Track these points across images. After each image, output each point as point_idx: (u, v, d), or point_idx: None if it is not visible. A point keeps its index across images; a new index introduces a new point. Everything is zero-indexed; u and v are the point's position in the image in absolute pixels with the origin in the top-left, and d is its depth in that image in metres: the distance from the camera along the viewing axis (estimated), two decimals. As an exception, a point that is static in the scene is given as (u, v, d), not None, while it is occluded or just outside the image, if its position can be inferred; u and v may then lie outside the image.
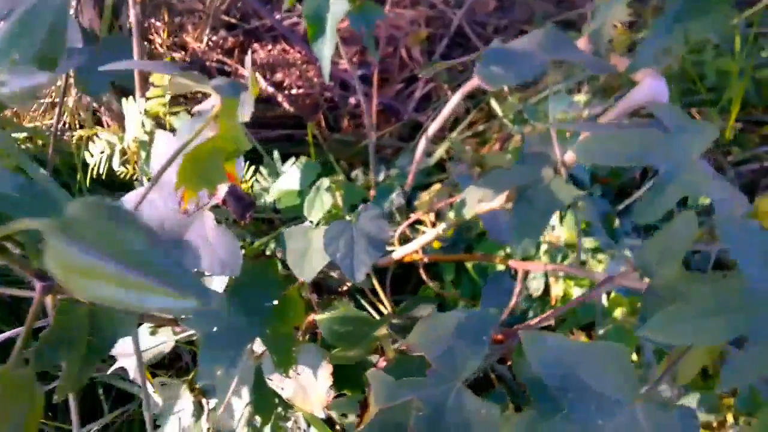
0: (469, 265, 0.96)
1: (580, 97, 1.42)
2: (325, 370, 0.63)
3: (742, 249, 0.43)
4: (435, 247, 1.08)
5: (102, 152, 0.90)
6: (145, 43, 1.67)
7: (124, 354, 0.75)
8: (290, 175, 0.66)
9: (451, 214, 0.74)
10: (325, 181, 0.65)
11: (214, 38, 1.75)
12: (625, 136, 0.51)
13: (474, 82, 0.94)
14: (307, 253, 0.60)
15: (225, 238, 0.54)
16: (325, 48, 0.80)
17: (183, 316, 0.59)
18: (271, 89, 1.68)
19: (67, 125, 1.51)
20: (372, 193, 1.35)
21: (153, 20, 1.73)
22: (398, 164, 1.43)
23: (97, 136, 0.93)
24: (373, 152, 1.28)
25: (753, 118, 1.54)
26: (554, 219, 1.23)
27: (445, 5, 1.81)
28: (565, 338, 0.48)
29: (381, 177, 1.37)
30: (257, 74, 1.70)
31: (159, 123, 1.01)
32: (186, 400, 0.73)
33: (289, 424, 0.70)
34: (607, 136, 0.52)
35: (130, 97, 0.94)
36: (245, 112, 0.70)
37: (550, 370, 0.47)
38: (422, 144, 0.95)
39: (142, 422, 0.79)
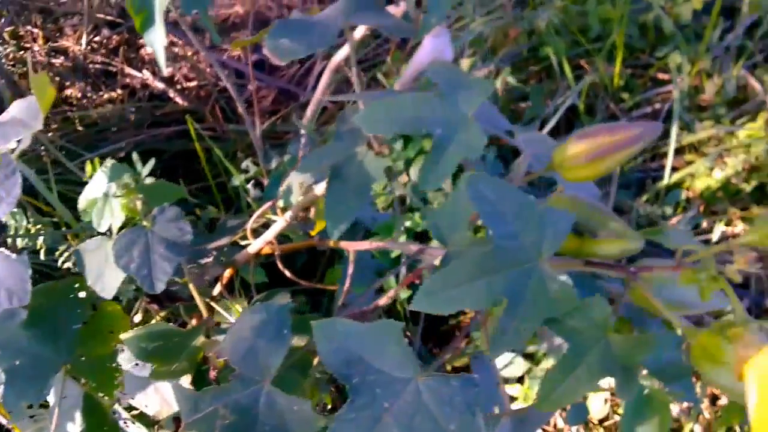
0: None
1: (466, 61, 1.41)
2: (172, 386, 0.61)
3: (490, 206, 0.42)
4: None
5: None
6: (21, 52, 1.59)
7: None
8: (96, 181, 0.63)
9: (280, 202, 0.72)
10: (113, 186, 0.62)
11: (97, 38, 1.68)
12: (399, 102, 0.50)
13: (339, 58, 0.92)
14: (105, 268, 0.57)
15: (11, 267, 0.51)
16: (157, 37, 0.76)
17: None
18: (161, 85, 1.62)
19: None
20: (265, 181, 1.33)
21: (29, 27, 1.65)
22: (291, 150, 1.41)
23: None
24: (258, 139, 1.25)
25: (641, 63, 1.56)
26: (447, 186, 1.23)
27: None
28: (351, 322, 0.47)
29: (274, 164, 1.35)
30: (146, 71, 1.64)
31: None
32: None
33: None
34: (383, 104, 0.50)
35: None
36: (32, 125, 0.66)
37: (336, 358, 0.46)
38: (304, 126, 0.93)
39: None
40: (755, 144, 1.41)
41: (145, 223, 0.58)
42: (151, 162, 1.02)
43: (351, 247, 0.67)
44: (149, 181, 0.79)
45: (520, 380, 1.24)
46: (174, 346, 0.59)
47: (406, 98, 0.50)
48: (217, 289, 0.98)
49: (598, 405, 1.22)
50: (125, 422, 0.82)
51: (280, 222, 0.78)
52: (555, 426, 1.30)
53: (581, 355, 0.46)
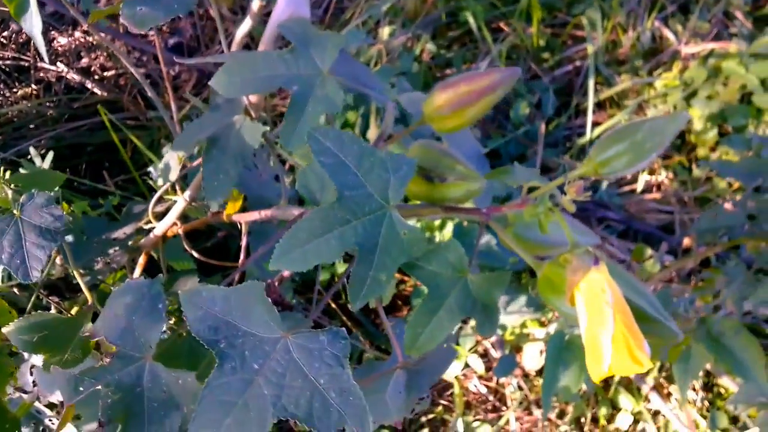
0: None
1: (385, 30, 1.41)
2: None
3: (332, 158, 0.42)
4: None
5: None
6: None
7: None
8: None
9: (160, 180, 0.71)
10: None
11: (5, 33, 1.61)
12: (253, 62, 0.50)
13: (243, 32, 0.90)
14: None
15: None
16: (34, 23, 0.74)
17: None
18: (77, 77, 1.57)
19: None
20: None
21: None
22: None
23: None
24: (174, 125, 1.22)
25: (559, 21, 1.58)
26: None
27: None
28: (217, 288, 0.47)
29: (196, 149, 1.32)
30: (60, 64, 1.58)
31: None
32: None
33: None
34: (236, 65, 0.50)
35: None
36: None
37: (203, 324, 0.46)
38: (196, 100, 0.91)
39: None
40: (672, 93, 1.44)
41: (15, 211, 0.56)
42: (50, 155, 0.99)
43: (241, 218, 0.66)
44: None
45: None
46: (60, 336, 0.58)
47: (259, 57, 0.50)
48: (136, 275, 0.96)
49: (533, 356, 1.26)
50: (50, 420, 0.81)
51: (180, 202, 0.77)
52: (523, 371, 1.33)
53: (442, 298, 0.47)
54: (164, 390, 0.53)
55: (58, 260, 0.83)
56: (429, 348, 0.47)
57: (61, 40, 1.65)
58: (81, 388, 0.52)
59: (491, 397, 1.33)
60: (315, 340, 0.46)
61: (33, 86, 1.57)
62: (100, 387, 0.51)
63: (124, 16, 0.56)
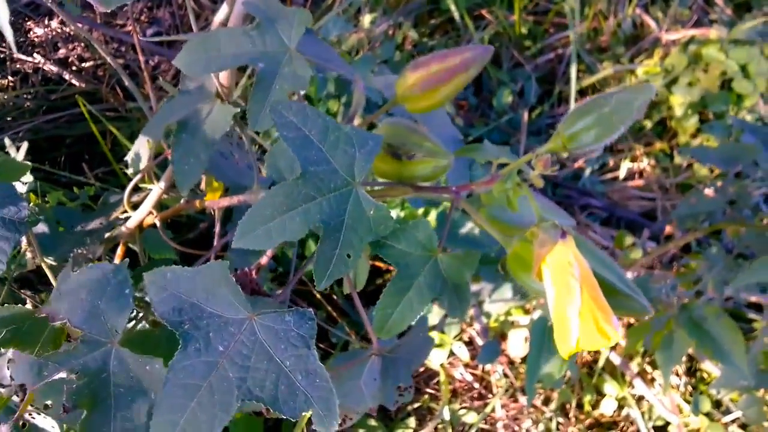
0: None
1: (366, 17, 1.39)
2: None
3: (295, 132, 0.41)
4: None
5: None
6: None
7: None
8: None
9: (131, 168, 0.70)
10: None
11: (-20, 24, 1.58)
12: (217, 40, 0.48)
13: (219, 19, 0.88)
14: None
15: None
16: (0, 14, 0.72)
17: None
18: (55, 68, 1.55)
19: None
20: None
21: None
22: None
23: None
24: (151, 115, 1.20)
25: (541, 9, 1.57)
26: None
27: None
28: (181, 269, 0.46)
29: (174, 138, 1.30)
30: (37, 55, 1.55)
31: None
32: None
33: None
34: (200, 43, 0.49)
35: None
36: None
37: (167, 305, 0.45)
38: (169, 87, 0.89)
39: None
40: (653, 80, 1.44)
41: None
42: (24, 146, 0.97)
43: (214, 205, 0.65)
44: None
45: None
46: (30, 330, 0.57)
47: (223, 35, 0.49)
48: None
49: (518, 344, 1.25)
50: (30, 414, 0.80)
51: (155, 190, 0.75)
52: (509, 358, 1.33)
53: (412, 278, 0.46)
54: (131, 376, 0.51)
55: (29, 254, 0.82)
56: (400, 329, 0.46)
57: (38, 31, 1.62)
58: (45, 373, 0.51)
59: (477, 385, 1.33)
60: (281, 320, 0.45)
61: (9, 78, 1.54)
62: (64, 373, 0.50)
63: (92, -4, 0.55)
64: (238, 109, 0.60)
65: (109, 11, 0.58)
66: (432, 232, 0.45)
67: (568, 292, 0.37)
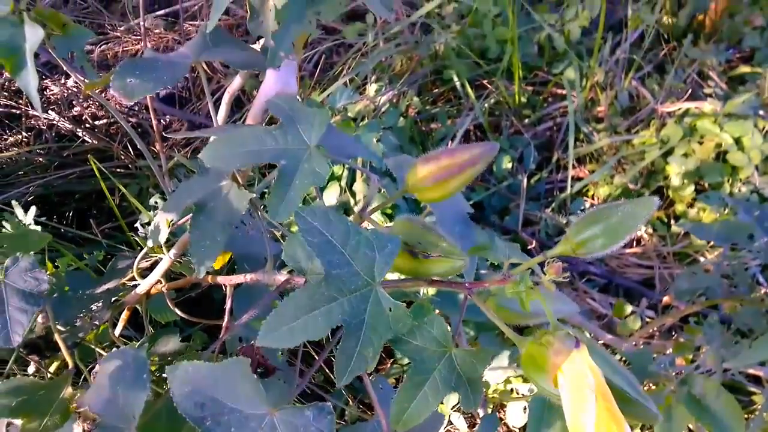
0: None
1: (372, 87, 1.45)
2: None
3: (319, 237, 0.43)
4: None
5: None
6: None
7: None
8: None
9: (150, 241, 0.72)
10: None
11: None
12: (241, 136, 0.51)
13: (234, 89, 0.92)
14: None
15: None
16: (30, 80, 0.75)
17: None
18: (68, 125, 1.59)
19: None
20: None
21: None
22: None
23: None
24: (161, 174, 1.23)
25: (540, 80, 1.64)
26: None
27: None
28: (202, 364, 0.47)
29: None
30: (52, 112, 1.60)
31: None
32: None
33: None
34: (225, 139, 0.52)
35: None
36: None
37: (189, 401, 0.46)
38: (186, 161, 0.92)
39: None
40: (649, 150, 1.49)
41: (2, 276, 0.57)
42: (32, 211, 0.99)
43: (226, 281, 0.67)
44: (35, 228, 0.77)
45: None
46: (40, 400, 0.58)
47: (247, 132, 0.52)
48: (118, 330, 0.95)
49: (517, 413, 1.25)
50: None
51: (165, 260, 0.77)
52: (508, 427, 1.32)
53: (427, 372, 0.47)
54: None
55: (39, 318, 0.83)
56: (416, 422, 0.47)
57: (54, 89, 1.67)
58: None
59: (476, 453, 1.31)
60: (300, 415, 0.47)
61: (24, 134, 1.58)
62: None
63: (115, 87, 0.58)
64: (254, 195, 0.63)
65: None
66: (446, 329, 0.47)
67: (583, 401, 0.38)
